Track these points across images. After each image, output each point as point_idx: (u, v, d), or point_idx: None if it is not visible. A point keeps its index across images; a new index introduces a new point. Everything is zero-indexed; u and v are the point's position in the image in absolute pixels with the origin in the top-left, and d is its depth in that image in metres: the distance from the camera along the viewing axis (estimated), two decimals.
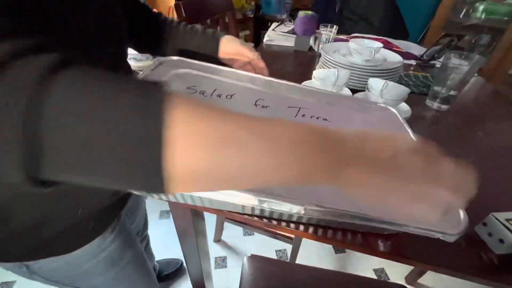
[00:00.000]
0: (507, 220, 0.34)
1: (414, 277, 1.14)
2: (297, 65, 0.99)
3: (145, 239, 0.85)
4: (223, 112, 0.16)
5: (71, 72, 0.15)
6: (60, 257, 0.40)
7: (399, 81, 0.84)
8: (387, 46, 1.07)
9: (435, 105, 0.73)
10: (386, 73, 0.75)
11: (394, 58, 0.81)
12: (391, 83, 0.61)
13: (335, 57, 0.78)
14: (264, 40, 1.17)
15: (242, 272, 0.63)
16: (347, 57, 0.80)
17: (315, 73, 0.66)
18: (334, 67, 0.75)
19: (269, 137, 0.16)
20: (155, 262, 1.03)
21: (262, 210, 0.34)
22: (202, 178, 0.16)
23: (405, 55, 1.04)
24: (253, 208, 0.34)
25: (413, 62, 1.03)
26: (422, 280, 1.15)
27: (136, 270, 0.53)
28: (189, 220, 0.46)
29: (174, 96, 0.15)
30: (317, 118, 0.44)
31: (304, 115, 0.44)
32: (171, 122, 0.14)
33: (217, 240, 1.25)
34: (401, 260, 0.36)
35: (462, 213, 0.30)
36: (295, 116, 0.43)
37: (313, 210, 0.30)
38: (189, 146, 0.15)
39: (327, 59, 0.78)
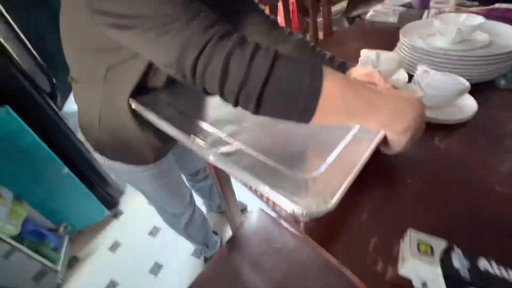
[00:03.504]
0: (420, 241, 0.29)
1: None
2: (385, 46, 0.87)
3: (208, 177, 1.14)
4: (352, 83, 0.34)
5: (252, 44, 0.32)
6: (125, 165, 0.66)
7: (511, 75, 0.59)
8: None
9: None
10: (482, 61, 0.55)
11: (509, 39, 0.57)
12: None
13: (412, 39, 0.65)
14: (367, 15, 1.06)
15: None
16: (430, 39, 0.64)
17: (361, 52, 0.61)
18: (410, 53, 0.64)
19: (370, 100, 0.34)
20: None
21: None
22: (330, 114, 0.33)
23: None
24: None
25: None
26: None
27: (170, 189, 0.79)
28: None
29: (326, 70, 0.32)
30: None
31: None
32: (326, 82, 0.31)
33: None
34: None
35: (334, 199, 0.30)
36: None
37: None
38: (331, 95, 0.32)
39: (402, 41, 0.67)
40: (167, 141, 0.68)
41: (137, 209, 1.50)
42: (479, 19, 0.57)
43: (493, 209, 0.36)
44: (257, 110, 0.33)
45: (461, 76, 0.50)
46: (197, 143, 0.42)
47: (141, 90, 0.52)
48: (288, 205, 0.31)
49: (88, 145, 1.28)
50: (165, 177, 0.76)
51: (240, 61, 0.31)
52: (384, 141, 0.39)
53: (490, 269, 0.26)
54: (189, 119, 0.48)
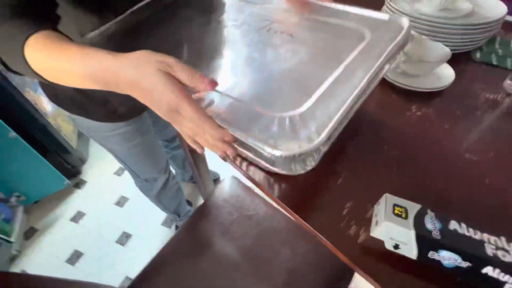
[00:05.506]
0: (395, 205, 0.28)
1: None
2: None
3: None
4: (58, 46, 0.30)
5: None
6: (90, 121, 0.59)
7: (486, 49, 0.60)
8: None
9: None
10: (463, 30, 0.54)
11: (492, 9, 0.56)
12: None
13: (398, 3, 0.62)
14: None
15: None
16: (416, 4, 0.62)
17: None
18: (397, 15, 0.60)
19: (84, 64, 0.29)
20: None
21: None
22: (44, 71, 0.32)
23: None
24: None
25: None
26: None
27: (143, 152, 0.73)
28: None
29: (35, 36, 0.30)
30: (281, 33, 0.42)
31: (269, 29, 0.43)
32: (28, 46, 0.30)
33: None
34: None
35: (321, 137, 0.27)
36: (261, 29, 0.43)
37: None
38: (35, 57, 0.31)
39: (388, 4, 0.63)
40: None
41: (102, 179, 1.41)
42: None
43: (462, 174, 0.37)
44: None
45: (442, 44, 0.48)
46: None
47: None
48: (265, 149, 0.27)
49: (40, 107, 1.12)
50: (137, 138, 0.69)
51: None
52: None
53: (459, 229, 0.27)
54: None
